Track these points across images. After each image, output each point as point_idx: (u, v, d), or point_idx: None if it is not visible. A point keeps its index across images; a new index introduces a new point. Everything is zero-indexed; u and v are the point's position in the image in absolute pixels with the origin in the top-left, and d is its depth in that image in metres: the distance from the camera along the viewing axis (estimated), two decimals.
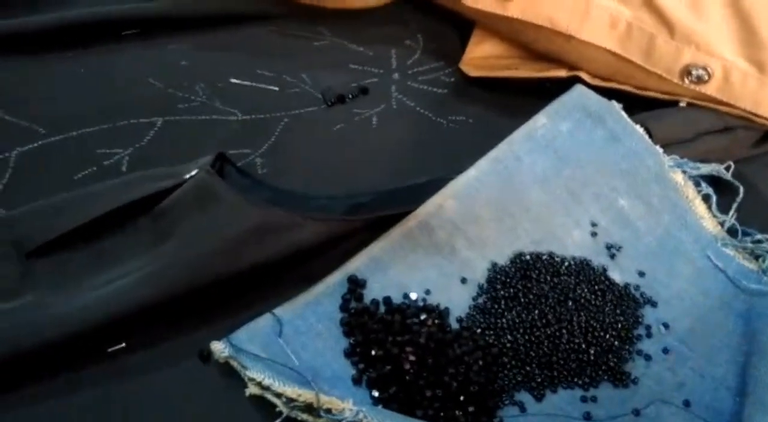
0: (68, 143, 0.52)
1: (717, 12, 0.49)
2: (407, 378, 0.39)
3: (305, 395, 0.37)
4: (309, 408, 0.37)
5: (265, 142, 0.53)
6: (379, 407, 0.38)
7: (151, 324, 0.41)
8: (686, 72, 0.50)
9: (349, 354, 0.41)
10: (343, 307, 0.42)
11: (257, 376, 0.37)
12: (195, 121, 0.55)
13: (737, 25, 0.49)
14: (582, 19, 0.52)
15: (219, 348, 0.39)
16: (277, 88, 0.57)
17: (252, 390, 0.38)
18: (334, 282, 0.43)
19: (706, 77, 0.50)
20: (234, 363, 0.39)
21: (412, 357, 0.40)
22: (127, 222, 0.45)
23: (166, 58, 0.59)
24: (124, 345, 0.41)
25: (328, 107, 0.56)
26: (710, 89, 0.50)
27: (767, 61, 0.48)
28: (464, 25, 0.61)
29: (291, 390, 0.37)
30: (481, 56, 0.60)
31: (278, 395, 0.37)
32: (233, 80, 0.58)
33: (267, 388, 0.37)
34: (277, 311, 0.41)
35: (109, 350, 0.41)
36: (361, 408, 0.36)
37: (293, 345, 0.40)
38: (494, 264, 0.45)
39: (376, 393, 0.39)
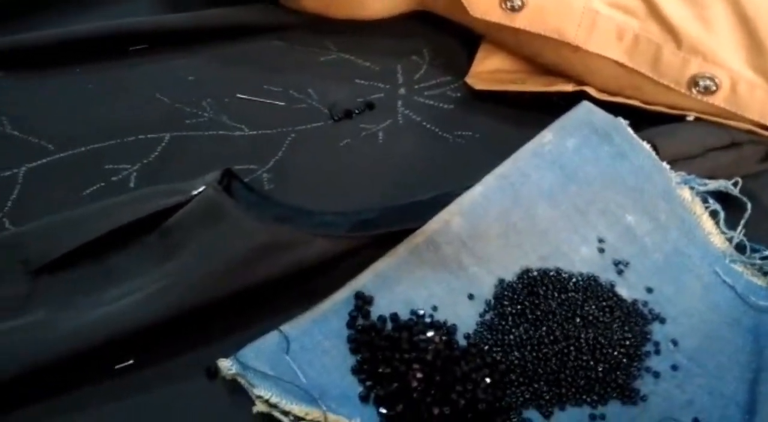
0: (76, 159, 0.53)
1: (723, 23, 0.49)
2: (414, 395, 0.39)
3: (313, 413, 0.37)
4: None
5: (272, 158, 0.53)
6: None
7: (158, 341, 0.41)
8: (694, 82, 0.50)
9: (356, 371, 0.41)
10: (350, 324, 0.42)
11: (264, 394, 0.38)
12: (202, 136, 0.55)
13: (744, 36, 0.49)
14: (589, 30, 0.51)
15: (226, 365, 0.39)
16: (283, 103, 0.58)
17: (259, 407, 0.38)
18: (341, 298, 0.43)
19: (714, 88, 0.49)
20: (241, 381, 0.39)
21: (419, 375, 0.40)
22: (134, 238, 0.45)
23: (173, 73, 0.59)
24: (132, 362, 0.41)
25: (335, 122, 0.56)
26: (718, 100, 0.50)
27: None
28: (470, 39, 0.61)
29: (298, 409, 0.37)
30: (488, 70, 0.59)
31: (285, 413, 0.37)
32: (240, 95, 0.58)
33: (274, 406, 0.38)
34: (284, 328, 0.41)
35: (117, 367, 0.41)
36: None
37: (300, 362, 0.40)
38: (501, 281, 0.45)
39: (383, 411, 0.39)
